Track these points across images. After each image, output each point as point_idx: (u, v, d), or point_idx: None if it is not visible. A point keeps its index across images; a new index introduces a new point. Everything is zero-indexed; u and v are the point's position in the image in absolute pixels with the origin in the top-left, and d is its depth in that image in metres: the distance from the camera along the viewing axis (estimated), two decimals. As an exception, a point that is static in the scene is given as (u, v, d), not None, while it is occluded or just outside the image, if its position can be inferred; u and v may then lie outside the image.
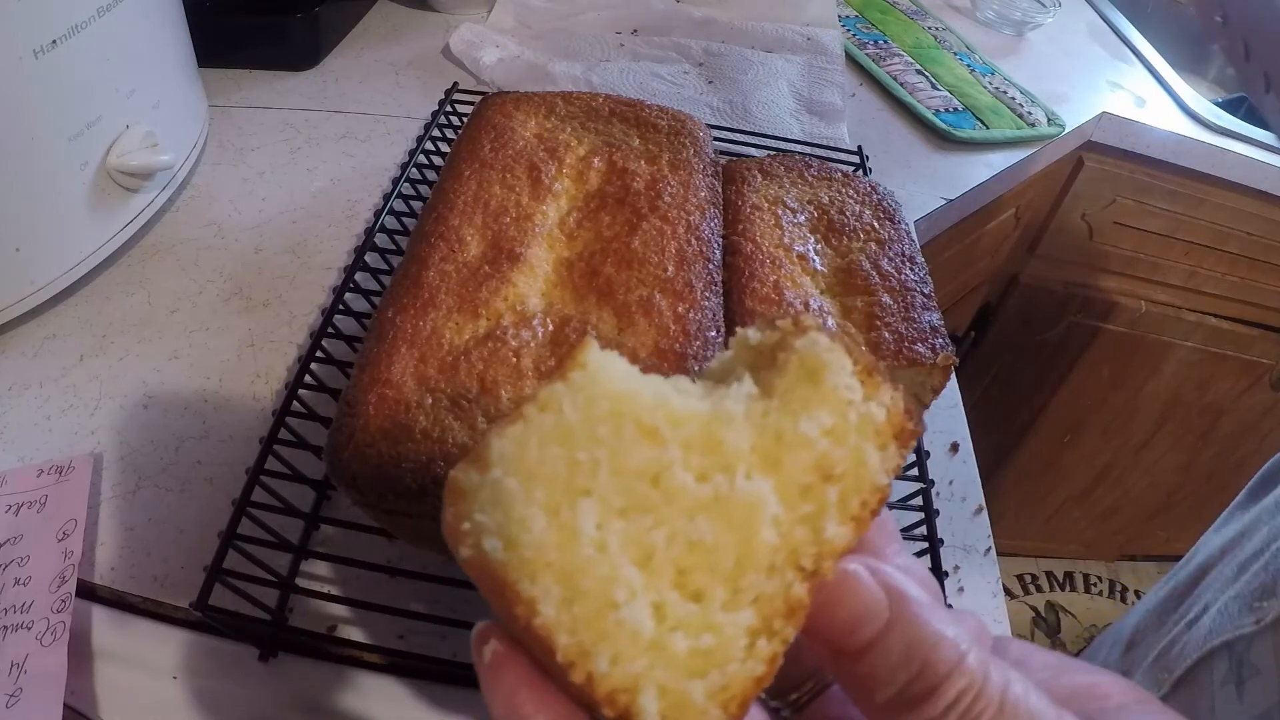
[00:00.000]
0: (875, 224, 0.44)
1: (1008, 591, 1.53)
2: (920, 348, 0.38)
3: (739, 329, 0.18)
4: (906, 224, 0.45)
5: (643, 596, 0.15)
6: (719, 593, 0.16)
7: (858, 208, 0.45)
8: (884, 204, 0.46)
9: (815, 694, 0.20)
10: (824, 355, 0.17)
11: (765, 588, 0.16)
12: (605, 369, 0.16)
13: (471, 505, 0.15)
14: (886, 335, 0.38)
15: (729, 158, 0.61)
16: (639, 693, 0.15)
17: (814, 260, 0.42)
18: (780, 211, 0.45)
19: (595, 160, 0.46)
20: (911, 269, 0.41)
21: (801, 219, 0.44)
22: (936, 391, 0.39)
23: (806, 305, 0.39)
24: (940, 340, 0.38)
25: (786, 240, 0.43)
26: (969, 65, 0.92)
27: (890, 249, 0.42)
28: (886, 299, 0.39)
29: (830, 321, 0.39)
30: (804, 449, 0.16)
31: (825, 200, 0.46)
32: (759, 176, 0.47)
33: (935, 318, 0.39)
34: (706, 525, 0.16)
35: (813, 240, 0.43)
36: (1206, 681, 0.40)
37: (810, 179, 0.48)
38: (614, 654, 0.15)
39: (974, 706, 0.15)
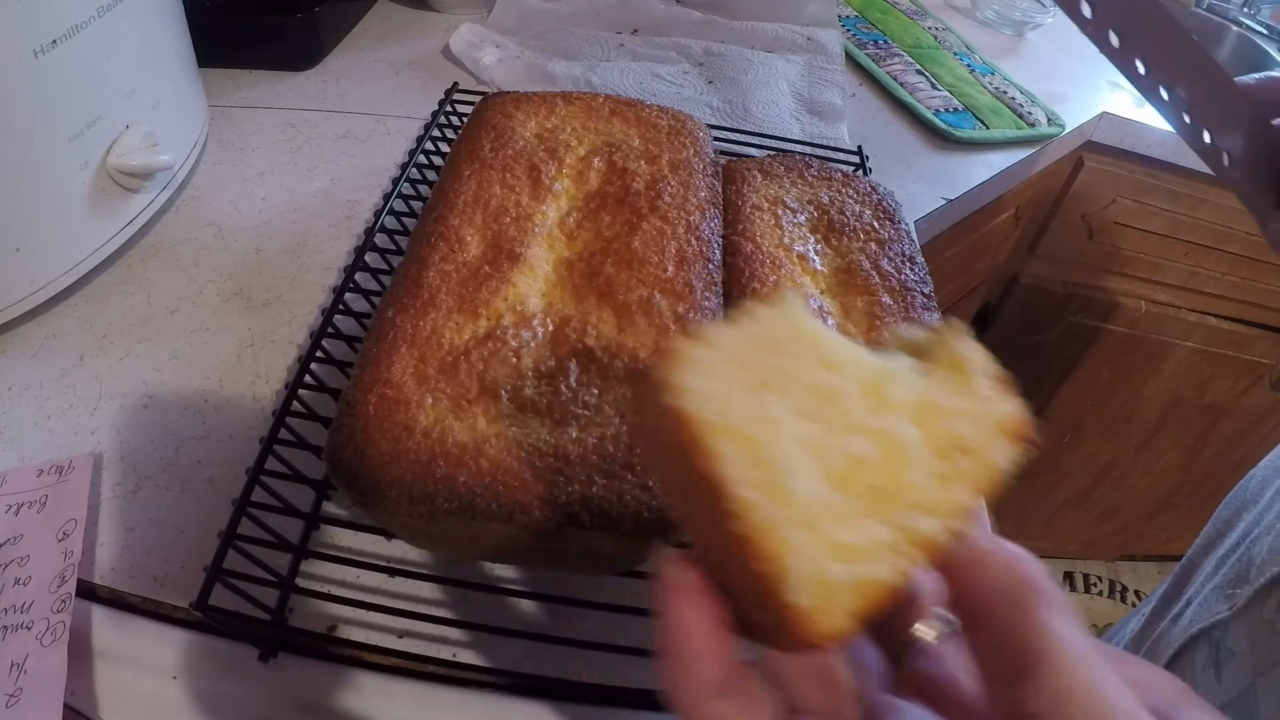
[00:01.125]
0: (875, 224, 0.44)
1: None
2: None
3: (901, 327, 0.21)
4: (906, 224, 0.45)
5: (807, 478, 0.17)
6: (863, 502, 0.18)
7: (858, 208, 0.45)
8: (884, 204, 0.46)
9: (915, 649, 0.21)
10: (971, 354, 0.20)
11: (903, 516, 0.18)
12: (803, 310, 0.20)
13: (689, 369, 0.18)
14: (887, 335, 0.38)
15: (729, 158, 0.61)
16: (788, 553, 0.17)
17: (814, 260, 0.42)
18: (780, 211, 0.45)
19: (595, 160, 0.46)
20: (911, 269, 0.41)
21: (801, 219, 0.44)
22: None
23: (807, 305, 0.39)
24: None
25: (786, 240, 0.43)
26: (969, 65, 0.92)
27: (890, 249, 0.42)
28: (886, 299, 0.39)
29: (831, 321, 0.39)
30: (947, 419, 0.19)
31: (825, 200, 0.46)
32: (759, 176, 0.47)
33: (935, 318, 0.39)
34: (866, 444, 0.18)
35: (813, 240, 0.43)
36: (1190, 669, 0.41)
37: (810, 179, 0.48)
38: (775, 513, 0.17)
39: (1069, 689, 0.16)
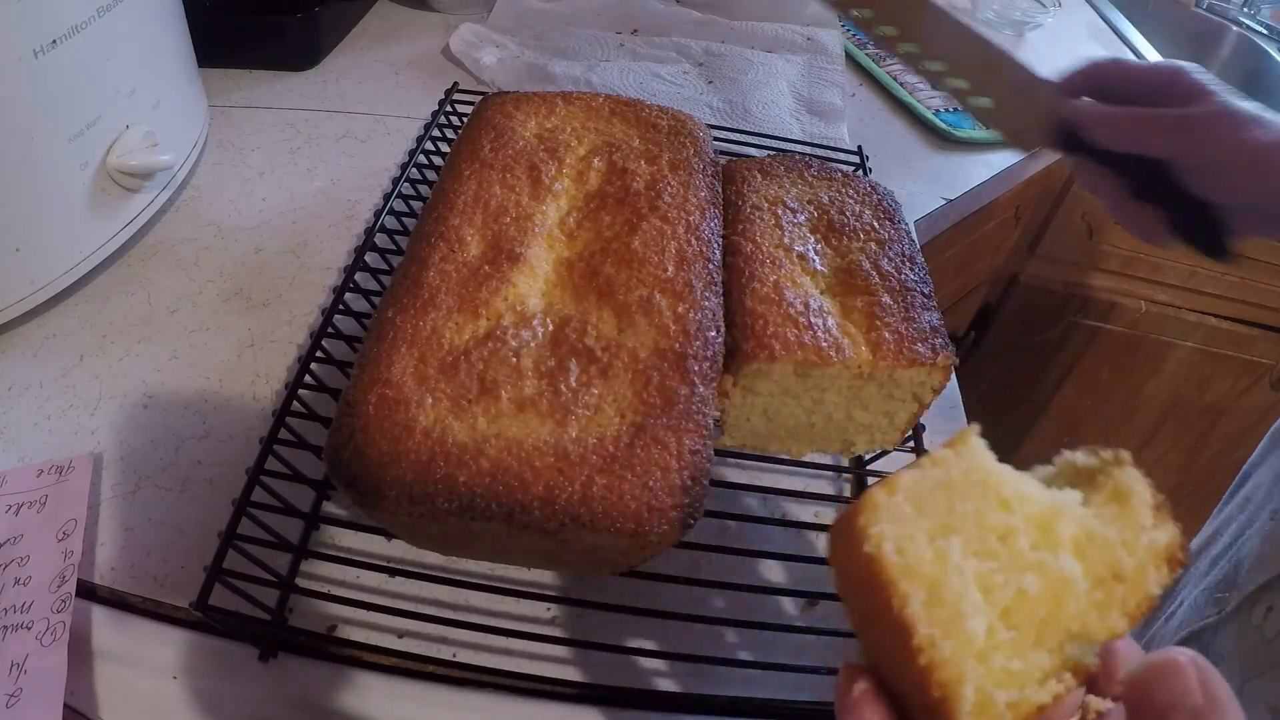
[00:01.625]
0: (875, 224, 0.44)
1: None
2: (920, 348, 0.38)
3: (1066, 452, 0.24)
4: (906, 224, 0.45)
5: (981, 616, 0.20)
6: (1030, 634, 0.21)
7: (857, 208, 0.45)
8: (884, 204, 0.46)
9: None
10: (1133, 485, 0.22)
11: (1062, 643, 0.21)
12: (981, 450, 0.22)
13: (879, 516, 0.20)
14: (886, 335, 0.38)
15: (729, 158, 0.61)
16: (963, 683, 0.19)
17: (814, 260, 0.42)
18: (780, 211, 0.45)
19: (595, 160, 0.46)
20: (911, 269, 0.41)
21: (801, 219, 0.44)
22: (937, 391, 0.39)
23: (807, 305, 0.39)
24: (940, 340, 0.38)
25: (786, 240, 0.43)
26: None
27: (890, 249, 0.42)
28: (886, 299, 0.39)
29: (831, 321, 0.39)
30: (1106, 550, 0.22)
31: (825, 200, 0.46)
32: (759, 176, 0.47)
33: (935, 318, 0.39)
34: (1032, 581, 0.21)
35: (813, 240, 0.43)
36: None
37: (810, 179, 0.48)
38: (954, 648, 0.19)
39: None
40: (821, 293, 0.41)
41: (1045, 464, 0.25)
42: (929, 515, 0.21)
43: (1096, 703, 0.22)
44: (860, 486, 0.49)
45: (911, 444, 0.47)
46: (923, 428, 0.47)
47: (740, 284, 0.40)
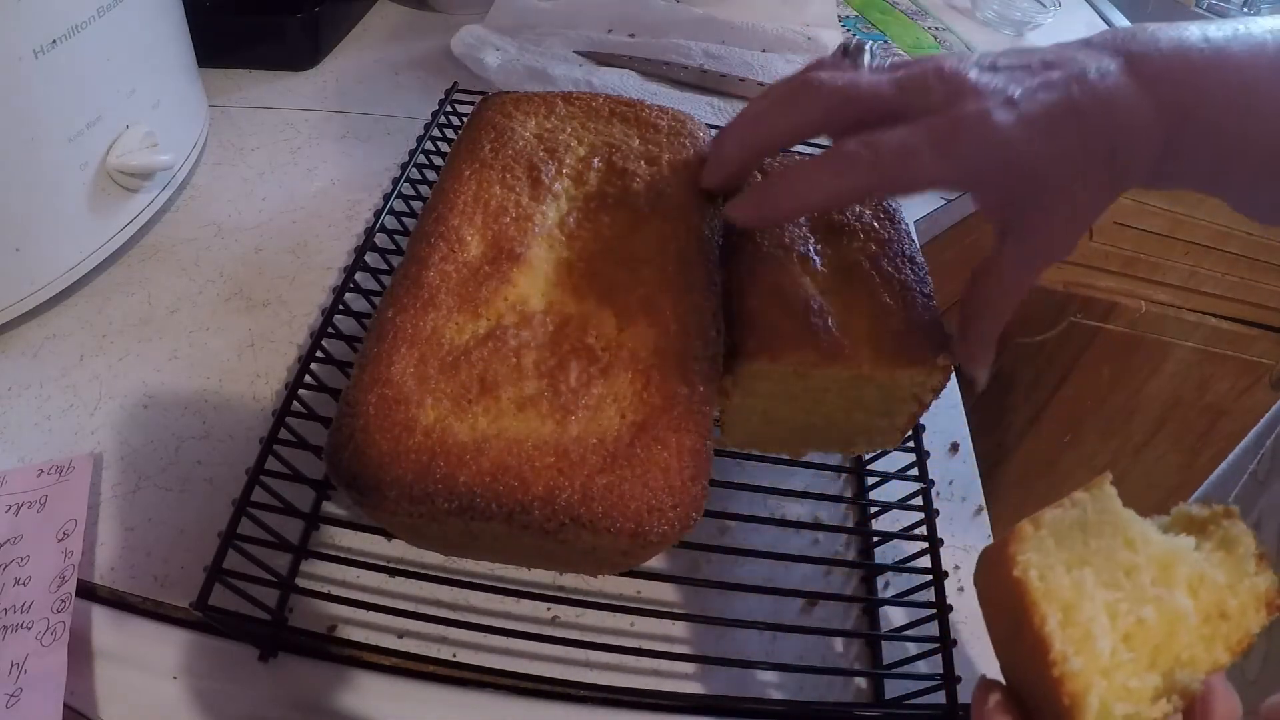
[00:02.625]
0: (875, 224, 0.44)
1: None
2: (920, 349, 0.38)
3: (1181, 504, 0.28)
4: (906, 224, 0.45)
5: (1107, 638, 0.24)
6: (1146, 658, 0.24)
7: (858, 208, 0.45)
8: (884, 204, 0.46)
9: None
10: (1240, 536, 0.26)
11: (1172, 669, 0.24)
12: (1112, 495, 0.26)
13: (1027, 546, 0.25)
14: (886, 336, 0.38)
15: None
16: (1089, 693, 0.23)
17: (814, 260, 0.42)
18: None
19: (595, 160, 0.46)
20: (912, 269, 0.41)
21: (802, 219, 0.44)
22: (936, 392, 0.39)
23: (807, 306, 0.39)
24: (940, 341, 0.38)
25: (787, 240, 0.43)
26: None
27: (890, 249, 0.42)
28: (886, 299, 0.39)
29: (831, 321, 0.38)
30: (1214, 591, 0.25)
31: None
32: (757, 176, 0.47)
33: (936, 318, 0.39)
34: (1151, 612, 0.24)
35: (813, 240, 0.43)
36: None
37: None
38: (1083, 664, 0.23)
39: None
40: (821, 293, 0.41)
41: (1163, 514, 0.28)
42: (1067, 548, 0.25)
43: None
44: (860, 485, 0.49)
45: (911, 444, 0.47)
46: (923, 428, 0.47)
47: (740, 284, 0.40)
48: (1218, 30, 0.33)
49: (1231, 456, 0.58)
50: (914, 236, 0.44)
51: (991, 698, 0.25)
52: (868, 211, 0.45)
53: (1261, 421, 0.56)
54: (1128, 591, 0.25)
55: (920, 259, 0.42)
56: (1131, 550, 0.25)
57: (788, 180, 0.36)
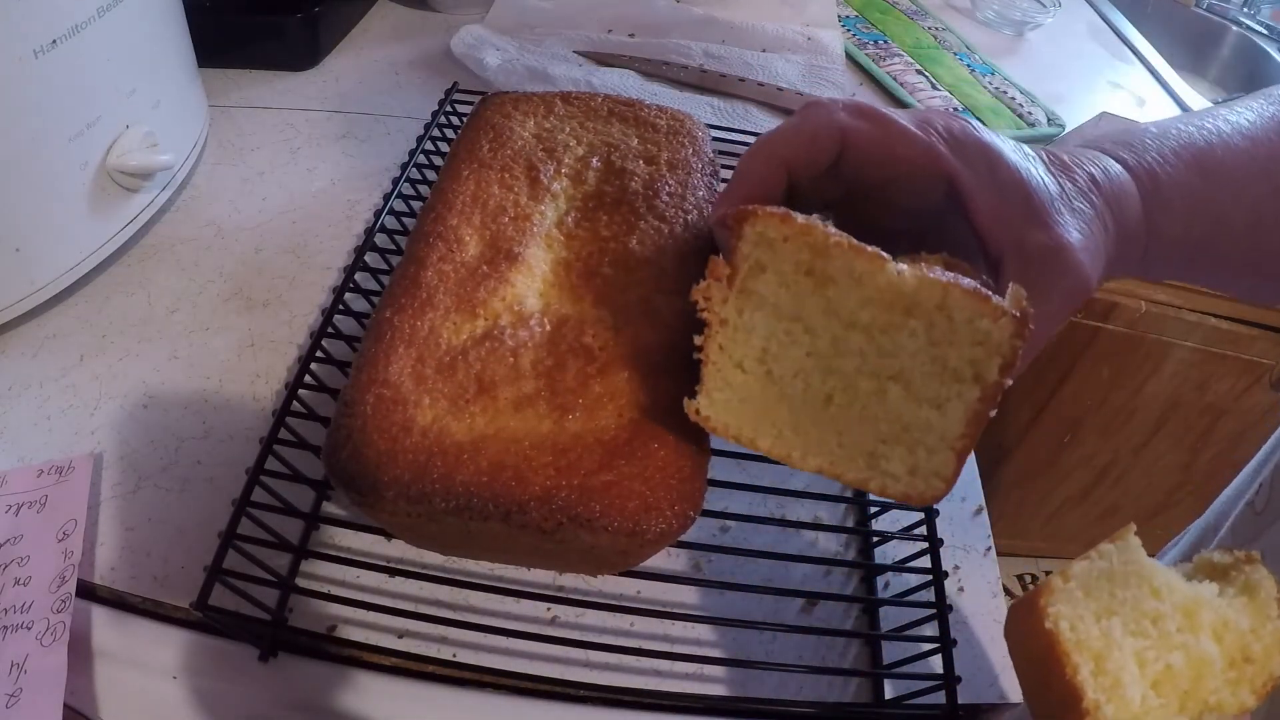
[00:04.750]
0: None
1: (1008, 591, 1.53)
2: (981, 287, 0.28)
3: (1204, 551, 0.28)
4: None
5: (1137, 685, 0.25)
6: (1174, 703, 0.25)
7: None
8: None
9: None
10: (1262, 582, 0.27)
11: (1200, 713, 0.25)
12: (1137, 546, 0.27)
13: (1057, 599, 0.26)
14: (1195, 559, 0.34)
15: (729, 158, 0.61)
16: None
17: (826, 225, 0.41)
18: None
19: (593, 160, 0.46)
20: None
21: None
22: (1004, 369, 0.28)
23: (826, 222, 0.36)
24: (997, 294, 0.28)
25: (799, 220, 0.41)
26: (969, 65, 0.92)
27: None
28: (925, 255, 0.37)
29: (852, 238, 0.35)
30: (1238, 635, 0.26)
31: None
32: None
33: (987, 282, 0.30)
34: (1178, 658, 0.25)
35: (818, 217, 0.42)
36: None
37: None
38: (1115, 711, 0.24)
39: None
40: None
41: (1186, 561, 0.29)
42: (1095, 599, 0.26)
43: None
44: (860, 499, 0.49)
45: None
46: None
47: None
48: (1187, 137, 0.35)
49: (1234, 484, 0.58)
50: None
51: None
52: None
53: (1261, 451, 0.56)
54: (1155, 639, 0.26)
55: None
56: (1157, 599, 0.26)
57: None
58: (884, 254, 0.28)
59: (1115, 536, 0.28)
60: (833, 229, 0.29)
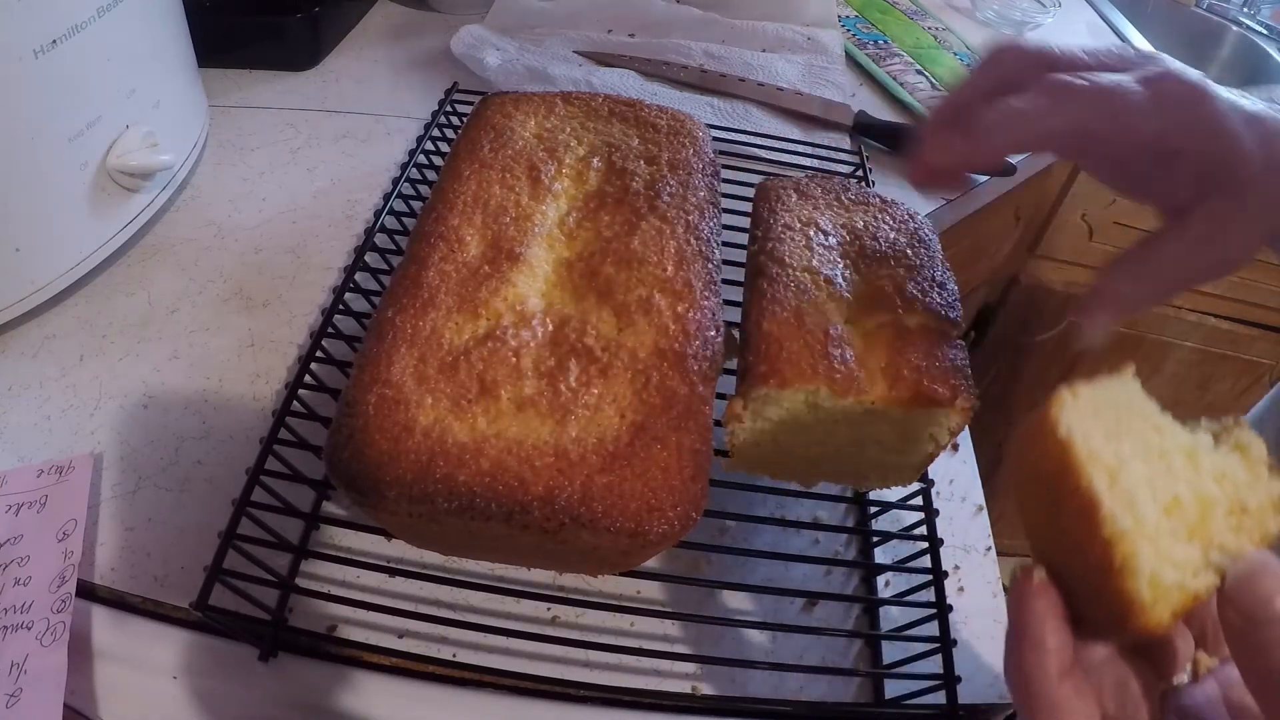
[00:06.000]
0: (909, 252, 0.42)
1: (1008, 591, 1.53)
2: (939, 388, 0.36)
3: (1204, 419, 0.27)
4: (938, 247, 0.44)
5: (1151, 503, 0.24)
6: (1184, 530, 0.24)
7: (892, 235, 0.43)
8: (920, 233, 0.44)
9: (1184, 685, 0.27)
10: (1252, 442, 0.26)
11: (1207, 549, 0.24)
12: (1137, 385, 0.27)
13: (1067, 412, 0.25)
14: (905, 372, 0.37)
15: (729, 158, 0.61)
16: (1138, 553, 0.23)
17: (840, 285, 0.41)
18: (812, 233, 0.43)
19: (594, 160, 0.46)
20: (940, 295, 0.39)
21: (833, 242, 0.43)
22: (954, 433, 0.38)
23: (826, 333, 0.38)
24: (961, 381, 0.37)
25: (815, 263, 0.41)
26: (969, 65, 0.92)
27: (920, 274, 0.41)
28: (910, 330, 0.38)
29: (849, 353, 0.37)
30: (1234, 486, 0.25)
31: (860, 225, 0.44)
32: (794, 195, 0.46)
33: (960, 356, 0.38)
34: (1185, 492, 0.24)
35: (841, 265, 0.42)
36: None
37: (846, 202, 0.46)
38: (1132, 523, 0.23)
39: None
40: (845, 321, 0.39)
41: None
42: (1103, 421, 0.25)
43: (1206, 660, 0.27)
44: (859, 499, 0.49)
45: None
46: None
47: (760, 305, 0.39)
48: None
49: None
50: (947, 265, 0.43)
51: (1036, 575, 0.25)
52: (902, 239, 0.43)
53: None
54: (1161, 471, 0.25)
55: (952, 284, 0.41)
56: (1160, 436, 0.26)
57: (998, 112, 0.33)
58: (865, 386, 0.36)
59: (1116, 371, 0.27)
60: (837, 360, 0.37)
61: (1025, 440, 0.26)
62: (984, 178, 0.76)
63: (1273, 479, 0.26)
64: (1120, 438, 0.25)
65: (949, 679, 0.39)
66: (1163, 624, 0.23)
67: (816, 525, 0.46)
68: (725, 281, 0.43)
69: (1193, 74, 0.33)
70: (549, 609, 0.42)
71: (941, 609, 0.41)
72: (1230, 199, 0.32)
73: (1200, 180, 0.32)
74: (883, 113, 0.81)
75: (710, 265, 0.41)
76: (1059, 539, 0.25)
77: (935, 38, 0.96)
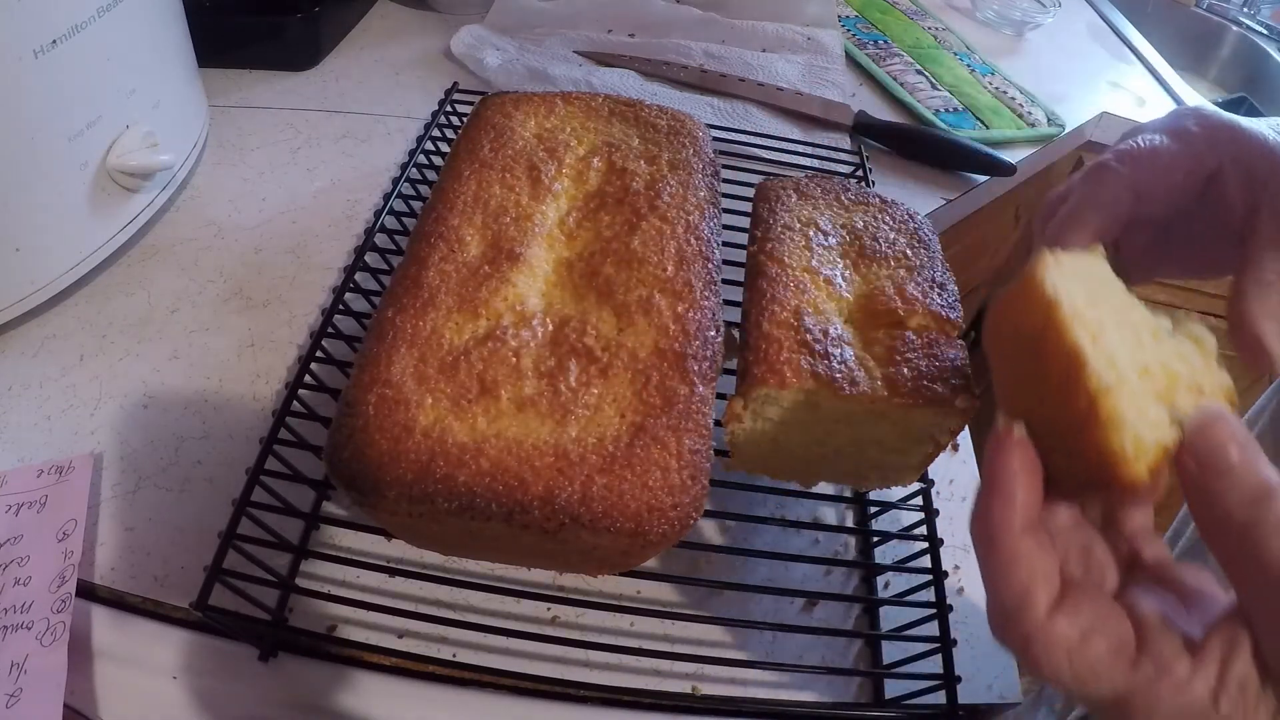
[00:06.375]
0: (908, 252, 0.42)
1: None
2: (939, 387, 0.36)
3: (1170, 314, 0.28)
4: (939, 253, 0.44)
5: (1127, 364, 0.24)
6: (1153, 389, 0.25)
7: (892, 235, 0.43)
8: (920, 233, 0.44)
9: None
10: (1205, 336, 0.27)
11: (1171, 410, 0.25)
12: (1106, 262, 0.28)
13: (1051, 272, 0.25)
14: (905, 371, 0.37)
15: (729, 158, 0.61)
16: (1122, 408, 0.23)
17: (840, 286, 0.41)
18: (812, 233, 0.43)
19: (594, 160, 0.46)
20: (940, 295, 0.39)
21: (833, 242, 0.43)
22: (954, 433, 0.38)
23: (826, 333, 0.38)
24: (961, 381, 0.37)
25: (814, 263, 0.42)
26: (969, 65, 0.92)
27: (920, 274, 0.41)
28: (910, 334, 0.38)
29: (849, 352, 0.38)
30: (1191, 369, 0.26)
31: (859, 225, 0.44)
32: (793, 196, 0.46)
33: (959, 356, 0.38)
34: (1153, 362, 0.25)
35: (841, 265, 0.42)
36: None
37: (846, 202, 0.46)
38: (1113, 379, 0.24)
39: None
40: (844, 321, 0.39)
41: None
42: (1082, 286, 0.26)
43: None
44: (859, 499, 0.49)
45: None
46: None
47: (760, 305, 0.39)
48: None
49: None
50: (946, 264, 0.43)
51: (1016, 429, 0.26)
52: (901, 239, 0.43)
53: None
54: (1131, 342, 0.26)
55: (952, 285, 0.41)
56: (1129, 311, 0.27)
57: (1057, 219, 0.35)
58: (864, 386, 0.36)
59: (1087, 250, 0.28)
60: (836, 363, 0.37)
61: (1008, 302, 0.27)
62: (983, 178, 0.76)
63: (1221, 370, 0.27)
64: (1098, 305, 0.26)
65: (949, 679, 0.39)
66: (1141, 479, 0.23)
67: (816, 525, 0.46)
68: (725, 281, 0.43)
69: (1208, 109, 0.34)
70: (549, 609, 0.42)
71: (941, 609, 0.41)
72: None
73: (1248, 188, 0.33)
74: (883, 113, 0.81)
75: (710, 265, 0.41)
76: (1038, 400, 0.26)
77: (935, 38, 0.96)
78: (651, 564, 0.39)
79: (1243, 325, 0.31)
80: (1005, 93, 0.88)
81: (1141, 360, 0.25)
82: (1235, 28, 1.31)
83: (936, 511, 0.45)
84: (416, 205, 0.56)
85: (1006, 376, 0.28)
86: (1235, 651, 0.23)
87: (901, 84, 0.85)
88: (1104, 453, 0.24)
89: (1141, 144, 0.34)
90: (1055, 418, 0.25)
